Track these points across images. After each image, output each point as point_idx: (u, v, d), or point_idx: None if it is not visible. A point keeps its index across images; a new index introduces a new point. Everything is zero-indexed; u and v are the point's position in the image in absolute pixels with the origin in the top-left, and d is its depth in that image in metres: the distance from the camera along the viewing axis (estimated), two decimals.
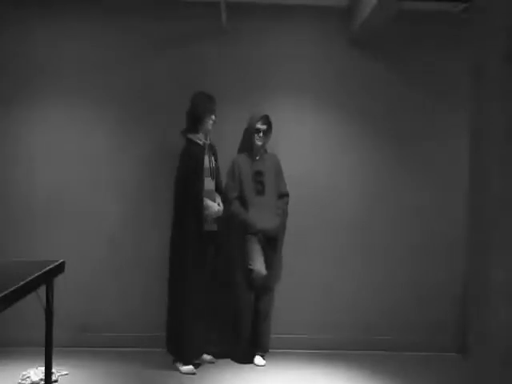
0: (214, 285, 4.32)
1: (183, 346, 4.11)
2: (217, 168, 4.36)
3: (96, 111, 4.72)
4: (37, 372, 3.84)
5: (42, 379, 3.72)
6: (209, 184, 4.23)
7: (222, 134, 4.61)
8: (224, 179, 4.47)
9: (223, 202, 4.33)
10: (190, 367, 4.08)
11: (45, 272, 2.70)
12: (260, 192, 4.40)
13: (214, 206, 4.21)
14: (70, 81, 4.69)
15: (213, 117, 4.25)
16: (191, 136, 4.23)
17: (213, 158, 4.32)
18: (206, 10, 4.65)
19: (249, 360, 4.34)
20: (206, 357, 4.30)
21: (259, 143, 4.43)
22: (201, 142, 4.23)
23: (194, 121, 4.22)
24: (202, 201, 4.12)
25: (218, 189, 4.33)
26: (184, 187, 4.14)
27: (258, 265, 4.27)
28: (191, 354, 4.14)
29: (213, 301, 4.32)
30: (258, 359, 4.35)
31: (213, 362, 4.28)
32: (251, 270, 4.26)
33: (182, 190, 4.15)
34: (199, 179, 4.14)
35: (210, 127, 4.27)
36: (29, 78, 4.66)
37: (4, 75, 4.66)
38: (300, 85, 4.79)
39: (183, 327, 4.08)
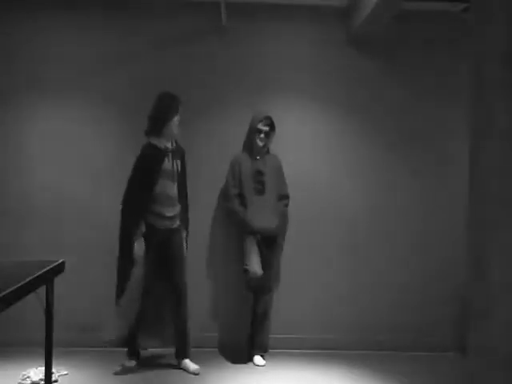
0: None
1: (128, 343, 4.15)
2: (182, 173, 4.18)
3: (96, 111, 4.72)
4: (37, 372, 3.85)
5: (41, 379, 3.71)
6: (168, 187, 4.04)
7: (221, 134, 4.60)
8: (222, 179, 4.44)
9: (186, 209, 4.23)
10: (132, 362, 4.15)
11: (45, 272, 2.69)
12: (260, 191, 4.38)
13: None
14: (70, 81, 4.69)
15: (176, 118, 4.06)
16: (152, 139, 4.05)
17: (178, 161, 4.13)
18: (206, 10, 4.66)
19: (247, 359, 4.36)
20: (193, 366, 4.08)
21: (260, 144, 4.41)
22: (161, 146, 4.03)
23: (157, 123, 4.02)
24: (142, 214, 3.99)
25: (180, 194, 4.14)
26: (130, 194, 4.01)
27: (254, 265, 4.25)
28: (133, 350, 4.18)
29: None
30: (257, 359, 4.34)
31: (197, 374, 4.01)
32: (247, 271, 4.26)
33: (128, 197, 4.02)
34: (149, 187, 3.98)
35: (174, 130, 4.08)
36: (29, 78, 4.66)
37: (5, 76, 4.67)
38: (299, 84, 4.79)
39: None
